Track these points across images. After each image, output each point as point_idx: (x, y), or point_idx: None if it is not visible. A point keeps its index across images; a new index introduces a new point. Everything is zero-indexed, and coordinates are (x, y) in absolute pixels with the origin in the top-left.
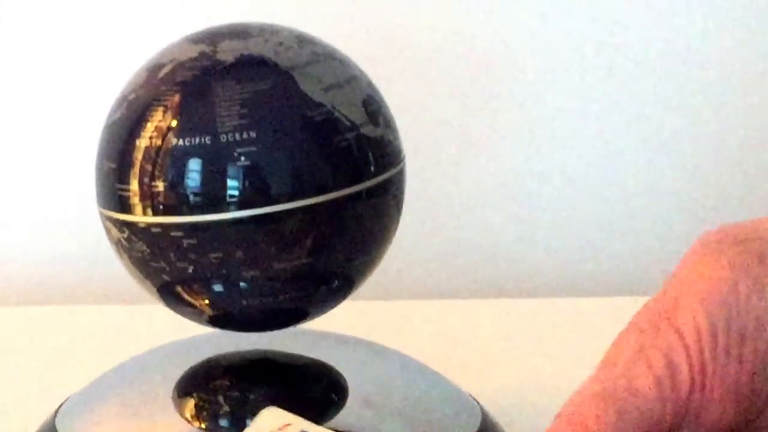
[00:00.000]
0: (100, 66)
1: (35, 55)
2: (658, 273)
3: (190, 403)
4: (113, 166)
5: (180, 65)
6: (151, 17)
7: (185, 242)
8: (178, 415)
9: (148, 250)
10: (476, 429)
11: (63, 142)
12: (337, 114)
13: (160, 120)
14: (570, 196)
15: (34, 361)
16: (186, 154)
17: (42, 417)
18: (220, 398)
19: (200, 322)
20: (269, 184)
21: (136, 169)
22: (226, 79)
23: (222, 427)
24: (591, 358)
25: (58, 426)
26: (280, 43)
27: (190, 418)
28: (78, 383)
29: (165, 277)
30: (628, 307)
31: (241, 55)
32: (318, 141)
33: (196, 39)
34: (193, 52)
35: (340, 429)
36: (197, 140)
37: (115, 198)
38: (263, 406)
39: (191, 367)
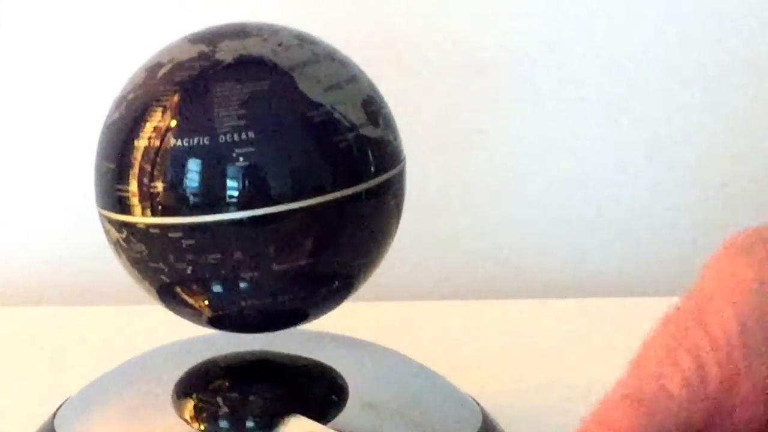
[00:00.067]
0: (99, 66)
1: (35, 55)
2: (659, 274)
3: (190, 405)
4: (112, 166)
5: (179, 65)
6: (151, 17)
7: (184, 243)
8: (178, 417)
9: (147, 251)
10: (476, 430)
11: (62, 142)
12: (336, 114)
13: (158, 120)
14: (571, 197)
15: (32, 362)
16: (184, 154)
17: (41, 418)
18: (220, 399)
19: (199, 323)
20: (268, 184)
21: (135, 170)
22: (224, 79)
23: (221, 428)
24: (591, 359)
25: (57, 427)
26: (280, 43)
27: (189, 420)
28: (77, 384)
29: (163, 277)
30: (629, 308)
31: (240, 55)
32: (317, 141)
33: (196, 39)
34: (192, 52)
35: (340, 431)
36: (195, 141)
37: (113, 198)
38: (262, 408)
39: (190, 369)
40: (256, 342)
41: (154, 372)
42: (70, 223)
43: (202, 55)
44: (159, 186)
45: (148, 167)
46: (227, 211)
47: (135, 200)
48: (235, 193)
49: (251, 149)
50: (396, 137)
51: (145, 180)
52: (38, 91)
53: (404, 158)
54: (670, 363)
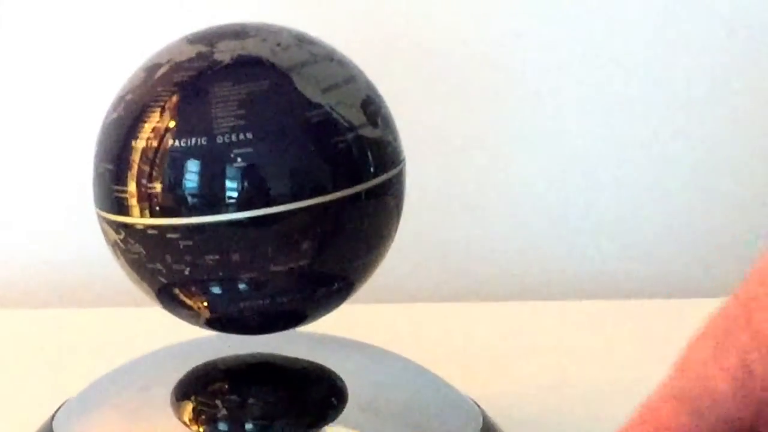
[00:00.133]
0: (100, 66)
1: (35, 55)
2: (661, 276)
3: (189, 407)
4: (110, 167)
5: (177, 65)
6: (151, 17)
7: (182, 244)
8: (177, 419)
9: (145, 252)
10: None
11: (63, 142)
12: (335, 115)
13: (157, 121)
14: (571, 198)
15: (31, 364)
16: (182, 155)
17: (39, 420)
18: (219, 402)
19: (198, 324)
20: (266, 185)
21: (133, 171)
22: (223, 79)
23: (220, 431)
24: (592, 361)
25: (56, 429)
26: (278, 44)
27: (188, 422)
28: (76, 386)
29: (161, 279)
30: (630, 310)
31: (239, 55)
32: (316, 142)
33: (194, 39)
34: (191, 52)
35: None
36: (193, 141)
37: (111, 199)
38: (262, 410)
39: (189, 371)
40: (256, 344)
41: (153, 374)
42: (69, 224)
43: (200, 56)
44: (157, 187)
45: (147, 168)
46: (225, 211)
47: (133, 201)
48: (234, 194)
49: (249, 150)
50: (395, 138)
51: (143, 181)
52: (38, 91)
53: (404, 159)
54: (716, 363)
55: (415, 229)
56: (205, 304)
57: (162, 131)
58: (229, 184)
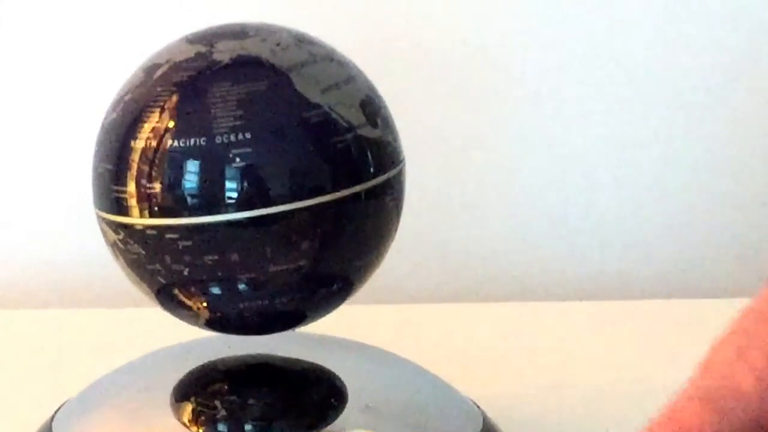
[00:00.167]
0: (99, 67)
1: (35, 56)
2: (661, 276)
3: (188, 408)
4: (109, 167)
5: (176, 66)
6: (151, 18)
7: (180, 244)
8: (176, 420)
9: (144, 252)
10: None
11: (63, 143)
12: (334, 115)
13: (156, 121)
14: (571, 198)
15: (31, 364)
16: (181, 155)
17: (39, 420)
18: (218, 403)
19: (198, 325)
20: (265, 185)
21: (133, 171)
22: (221, 79)
23: (220, 431)
24: (592, 361)
25: (55, 429)
26: (278, 44)
27: (187, 423)
28: (75, 387)
29: (160, 279)
30: (630, 311)
31: (238, 55)
32: (315, 142)
33: (194, 39)
34: (190, 52)
35: None
36: (192, 141)
37: (111, 200)
38: (261, 411)
39: (189, 372)
40: (255, 345)
41: (153, 375)
42: (69, 224)
43: (199, 56)
44: (156, 187)
45: (146, 168)
46: (224, 212)
47: (132, 201)
48: (232, 194)
49: (248, 150)
50: (395, 138)
51: (143, 181)
52: (38, 92)
53: (403, 159)
54: (741, 363)
55: (414, 229)
56: (205, 304)
57: (161, 131)
58: (228, 184)
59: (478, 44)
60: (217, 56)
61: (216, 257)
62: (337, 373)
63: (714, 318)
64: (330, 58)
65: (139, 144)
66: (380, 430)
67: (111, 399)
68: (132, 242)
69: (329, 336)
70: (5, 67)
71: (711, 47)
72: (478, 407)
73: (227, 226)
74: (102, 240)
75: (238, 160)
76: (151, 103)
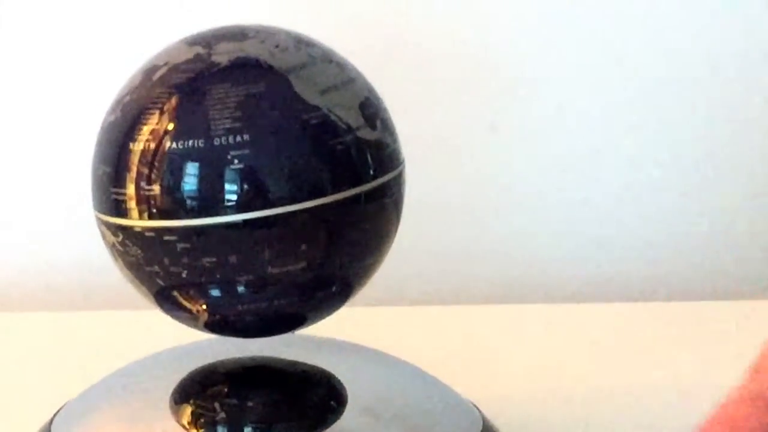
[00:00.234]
0: (98, 68)
1: (35, 56)
2: (662, 278)
3: (188, 410)
4: (108, 169)
5: (175, 67)
6: (151, 19)
7: (179, 246)
8: (176, 422)
9: (143, 254)
10: None
11: (63, 143)
12: (333, 117)
13: (154, 123)
14: (572, 199)
15: (30, 366)
16: (180, 157)
17: (39, 423)
18: (218, 405)
19: (197, 327)
20: (264, 187)
21: (132, 173)
22: (220, 81)
23: None
24: (593, 364)
25: None
26: (277, 45)
27: (187, 425)
28: (75, 389)
29: (159, 281)
30: (631, 313)
31: (237, 57)
32: (314, 144)
33: (193, 41)
34: (189, 54)
35: None
36: (191, 143)
37: (109, 201)
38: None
39: (188, 374)
40: (254, 347)
41: (152, 377)
42: (69, 226)
43: (198, 58)
44: (155, 189)
45: (145, 170)
46: (223, 214)
47: (131, 203)
48: (231, 196)
49: (247, 152)
50: (395, 139)
51: (142, 183)
52: (38, 93)
53: (403, 161)
54: None
55: (414, 231)
56: (204, 306)
57: (160, 133)
58: (227, 186)
59: (478, 44)
60: (216, 58)
61: (215, 259)
62: (336, 376)
63: (715, 320)
64: (329, 59)
65: (138, 146)
66: None
67: (110, 401)
68: (131, 244)
69: (329, 338)
70: (5, 68)
71: (711, 47)
72: (478, 409)
73: (226, 228)
74: (101, 242)
75: (236, 162)
76: (150, 105)
